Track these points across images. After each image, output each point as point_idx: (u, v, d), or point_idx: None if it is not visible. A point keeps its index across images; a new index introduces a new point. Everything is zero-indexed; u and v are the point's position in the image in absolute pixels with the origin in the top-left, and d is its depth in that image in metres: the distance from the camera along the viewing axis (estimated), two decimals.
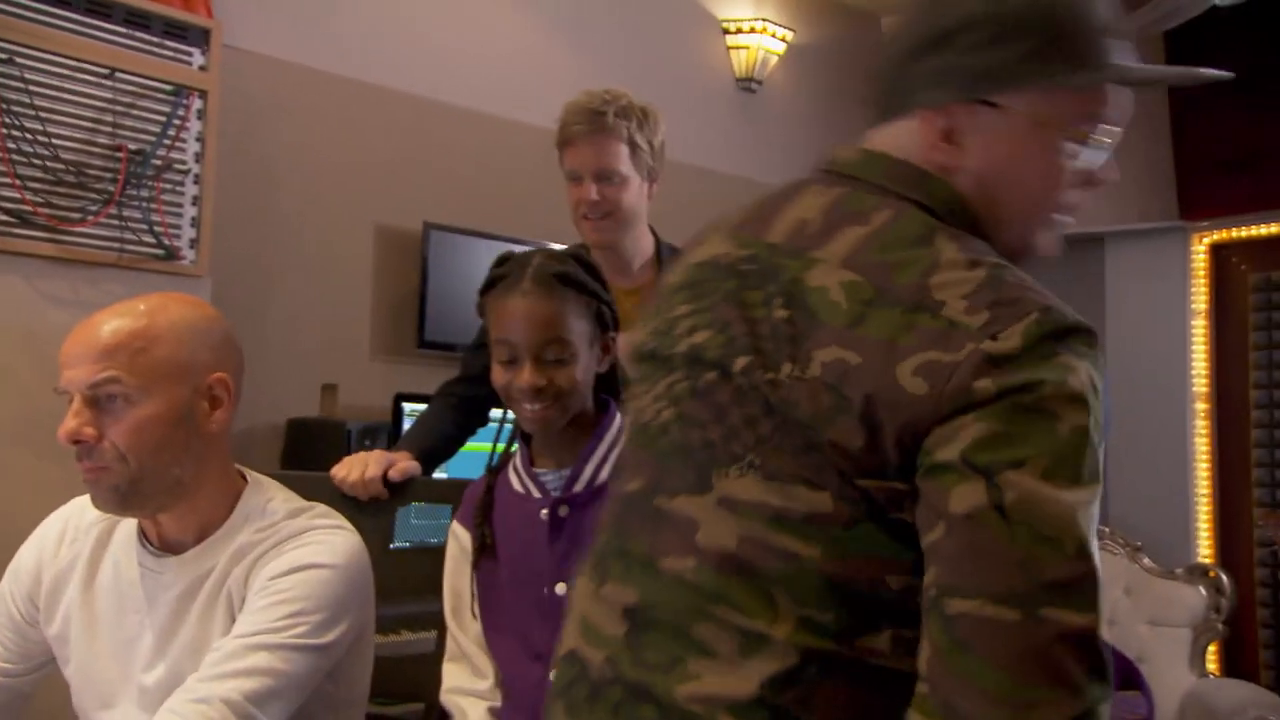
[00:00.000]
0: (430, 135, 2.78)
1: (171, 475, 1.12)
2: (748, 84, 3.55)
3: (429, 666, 1.47)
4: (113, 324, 1.12)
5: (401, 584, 1.52)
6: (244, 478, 1.23)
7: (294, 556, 1.13)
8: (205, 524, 1.17)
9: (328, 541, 1.16)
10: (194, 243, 2.16)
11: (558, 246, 1.79)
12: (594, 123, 1.70)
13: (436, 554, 1.53)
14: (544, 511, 1.27)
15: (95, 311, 1.15)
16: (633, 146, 1.74)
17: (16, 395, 1.89)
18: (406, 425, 2.47)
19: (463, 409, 1.76)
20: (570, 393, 1.27)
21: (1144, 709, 2.62)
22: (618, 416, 1.32)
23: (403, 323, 2.70)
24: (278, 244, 2.53)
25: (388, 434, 2.39)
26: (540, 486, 1.30)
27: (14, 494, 1.79)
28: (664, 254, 1.85)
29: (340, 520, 1.22)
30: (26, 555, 1.25)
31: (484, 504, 1.32)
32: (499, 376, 1.28)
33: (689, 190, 3.31)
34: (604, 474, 1.27)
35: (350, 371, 2.60)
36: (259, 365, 2.50)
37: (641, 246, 1.83)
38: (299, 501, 1.24)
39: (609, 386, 1.39)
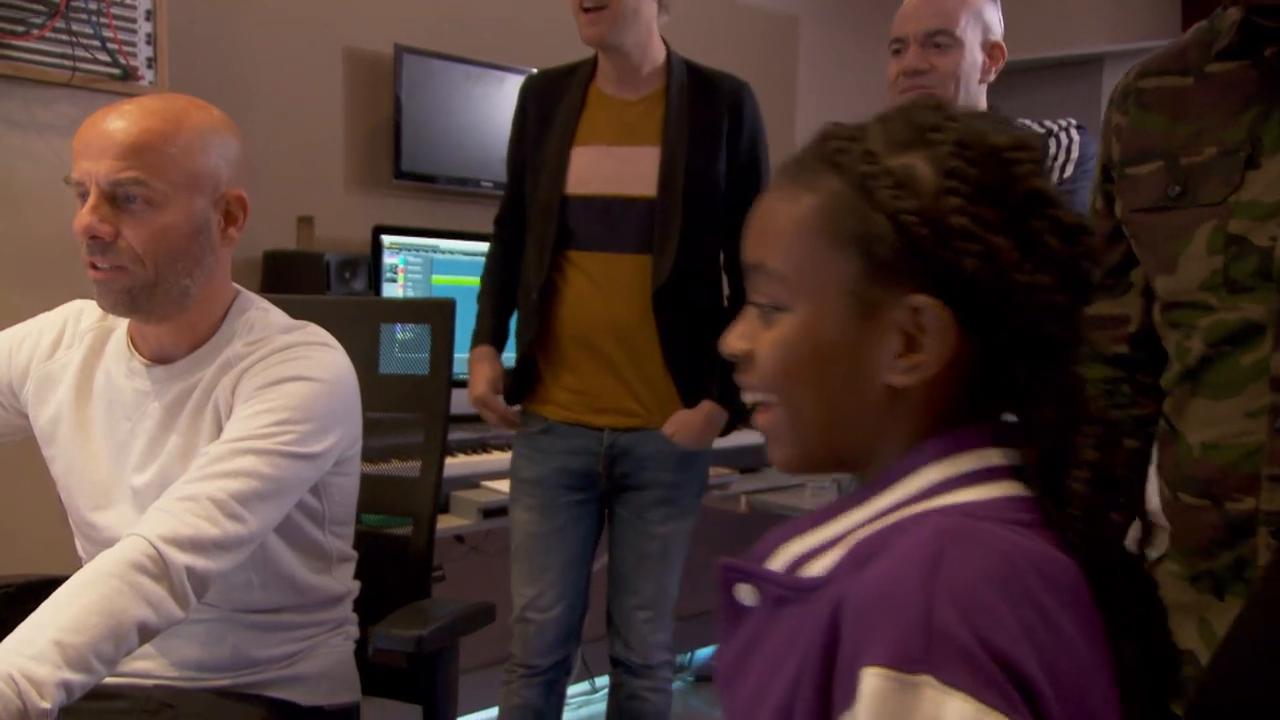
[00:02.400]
0: None
1: (181, 285, 1.11)
2: None
3: (418, 487, 1.46)
4: (141, 122, 1.06)
5: (386, 410, 1.50)
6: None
7: (283, 369, 1.11)
8: (196, 336, 1.16)
9: (317, 357, 1.14)
10: (151, 62, 2.01)
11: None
12: None
13: (420, 382, 1.50)
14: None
15: (114, 105, 1.09)
16: None
17: None
18: (386, 259, 2.39)
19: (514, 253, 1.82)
20: None
21: None
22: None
23: (378, 153, 2.57)
24: (241, 67, 2.37)
25: (367, 265, 2.31)
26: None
27: None
28: (675, 67, 1.74)
29: (330, 339, 1.20)
30: (16, 344, 1.23)
31: None
32: None
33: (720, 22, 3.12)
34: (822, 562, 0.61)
35: (326, 203, 2.49)
36: None
37: (651, 54, 1.73)
38: (290, 320, 1.21)
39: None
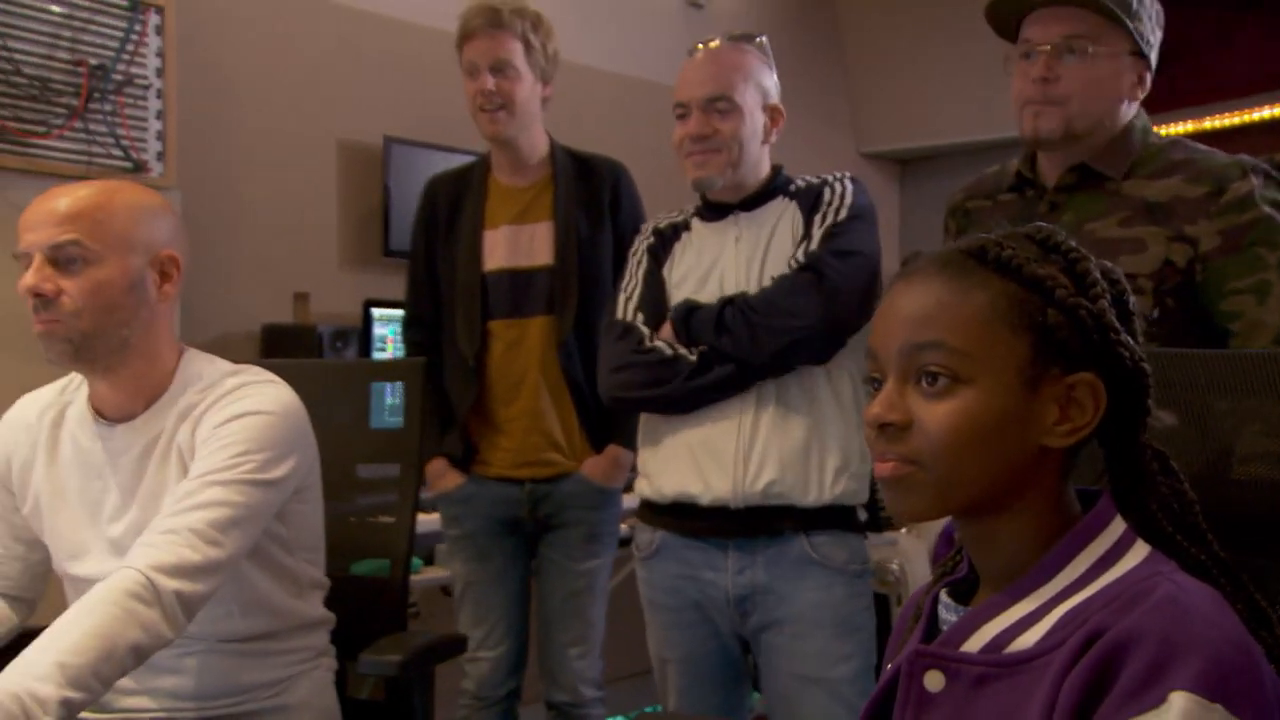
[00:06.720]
0: (388, 50, 2.72)
1: (120, 336, 1.16)
2: (695, 1, 3.48)
3: (395, 530, 1.51)
4: (75, 195, 1.15)
5: (375, 461, 1.56)
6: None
7: (234, 407, 1.18)
8: (151, 392, 1.21)
9: (262, 392, 1.21)
10: (160, 155, 2.13)
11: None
12: (491, 18, 1.79)
13: (397, 435, 1.55)
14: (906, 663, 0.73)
15: (52, 189, 1.17)
16: (526, 44, 1.81)
17: None
18: (377, 330, 2.48)
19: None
20: None
21: None
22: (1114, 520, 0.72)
23: (369, 233, 2.68)
24: (242, 157, 2.49)
25: (359, 336, 2.40)
26: None
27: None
28: (558, 156, 1.90)
29: (274, 376, 1.26)
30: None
31: None
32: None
33: (634, 102, 3.28)
34: (1033, 635, 0.68)
35: (320, 279, 2.59)
36: (232, 274, 2.50)
37: (537, 146, 1.90)
38: (233, 365, 1.28)
39: None
